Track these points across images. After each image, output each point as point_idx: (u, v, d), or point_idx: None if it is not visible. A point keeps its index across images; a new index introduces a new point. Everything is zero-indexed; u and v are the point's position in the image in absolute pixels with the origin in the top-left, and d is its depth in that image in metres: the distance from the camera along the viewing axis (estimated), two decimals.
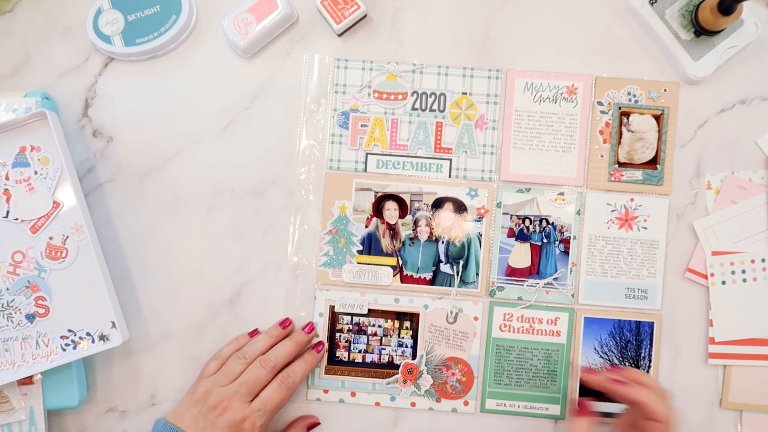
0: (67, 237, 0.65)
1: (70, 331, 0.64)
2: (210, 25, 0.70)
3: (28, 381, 0.65)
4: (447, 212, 0.69)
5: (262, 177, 0.70)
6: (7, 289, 0.64)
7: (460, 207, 0.69)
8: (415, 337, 0.69)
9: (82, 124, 0.70)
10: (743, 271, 0.68)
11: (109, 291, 0.64)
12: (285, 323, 0.68)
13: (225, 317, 0.69)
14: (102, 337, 0.64)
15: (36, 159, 0.65)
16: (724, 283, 0.68)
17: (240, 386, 0.62)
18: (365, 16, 0.69)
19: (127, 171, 0.70)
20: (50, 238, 0.65)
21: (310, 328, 0.68)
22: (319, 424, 0.69)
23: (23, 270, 0.65)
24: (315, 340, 0.69)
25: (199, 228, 0.70)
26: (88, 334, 0.64)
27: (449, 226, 0.69)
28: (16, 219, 0.65)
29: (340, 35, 0.70)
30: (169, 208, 0.70)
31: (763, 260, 0.68)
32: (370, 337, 0.69)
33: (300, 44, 0.70)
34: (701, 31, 0.67)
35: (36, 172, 0.65)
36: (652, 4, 0.68)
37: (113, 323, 0.64)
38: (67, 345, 0.64)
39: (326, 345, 0.69)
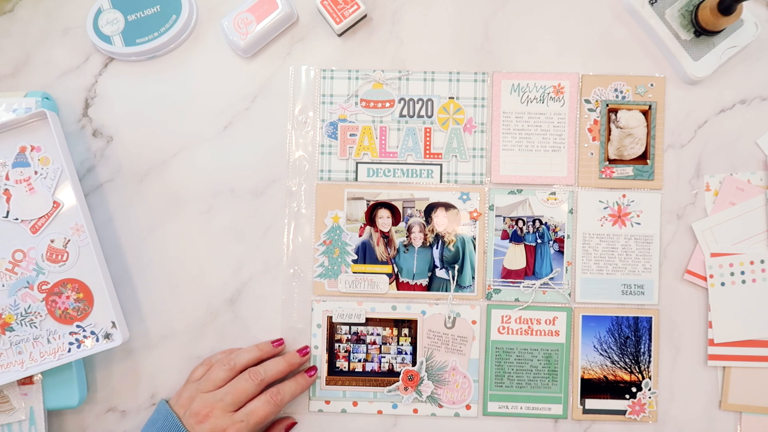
0: (69, 240, 0.65)
1: (78, 326, 0.64)
2: (210, 25, 0.70)
3: (28, 381, 0.65)
4: (440, 217, 0.69)
5: (261, 177, 0.70)
6: (3, 285, 0.64)
7: (452, 211, 0.69)
8: (414, 343, 0.69)
9: (82, 124, 0.70)
10: (742, 273, 0.68)
11: (109, 291, 0.64)
12: (278, 342, 0.68)
13: (225, 317, 0.69)
14: (107, 336, 0.64)
15: (36, 159, 0.65)
16: (723, 284, 0.68)
17: (225, 395, 0.62)
18: (365, 16, 0.69)
19: (127, 171, 0.70)
20: (52, 241, 0.65)
21: (305, 351, 0.68)
22: (296, 423, 0.68)
23: (22, 269, 0.65)
24: (308, 364, 0.68)
25: (199, 228, 0.70)
26: (92, 332, 0.64)
27: (443, 231, 0.69)
28: (17, 219, 0.65)
29: (340, 35, 0.70)
30: (169, 208, 0.70)
31: (762, 261, 0.67)
32: (369, 345, 0.69)
33: (300, 44, 0.70)
34: (701, 31, 0.67)
35: (36, 172, 0.65)
36: (652, 4, 0.68)
37: (113, 323, 0.64)
38: (71, 343, 0.64)
39: (317, 373, 0.68)
